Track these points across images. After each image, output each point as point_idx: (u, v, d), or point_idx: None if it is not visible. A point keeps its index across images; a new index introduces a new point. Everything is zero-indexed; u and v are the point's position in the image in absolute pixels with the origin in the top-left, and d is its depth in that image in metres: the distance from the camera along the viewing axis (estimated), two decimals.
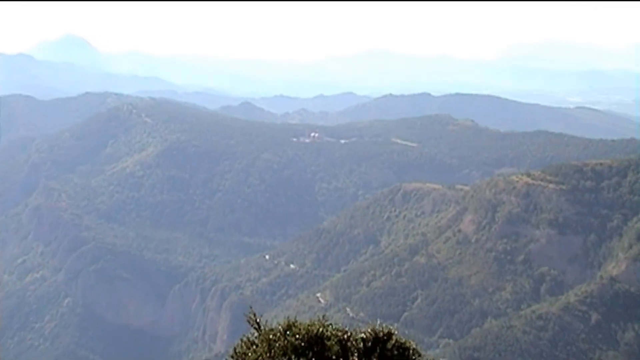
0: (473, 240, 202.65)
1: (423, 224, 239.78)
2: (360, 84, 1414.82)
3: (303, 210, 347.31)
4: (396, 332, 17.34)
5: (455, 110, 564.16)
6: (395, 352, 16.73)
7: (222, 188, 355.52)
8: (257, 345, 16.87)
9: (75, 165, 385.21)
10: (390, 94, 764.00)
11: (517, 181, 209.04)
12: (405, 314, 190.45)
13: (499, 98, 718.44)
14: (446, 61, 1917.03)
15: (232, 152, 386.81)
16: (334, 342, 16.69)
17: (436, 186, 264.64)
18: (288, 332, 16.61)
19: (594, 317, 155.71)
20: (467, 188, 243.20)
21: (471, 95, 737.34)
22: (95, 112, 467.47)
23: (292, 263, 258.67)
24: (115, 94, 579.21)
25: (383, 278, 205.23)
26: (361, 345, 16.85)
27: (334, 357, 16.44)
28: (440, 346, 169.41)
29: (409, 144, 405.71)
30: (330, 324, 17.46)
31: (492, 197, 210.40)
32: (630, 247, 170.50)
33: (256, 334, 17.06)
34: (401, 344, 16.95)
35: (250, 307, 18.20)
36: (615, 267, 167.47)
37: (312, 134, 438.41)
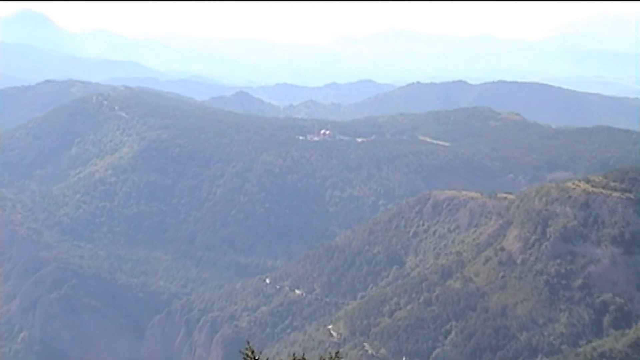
0: (519, 261, 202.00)
1: (458, 240, 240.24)
2: (380, 70, 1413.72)
3: (311, 223, 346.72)
4: None
5: (497, 102, 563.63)
6: None
7: (212, 197, 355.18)
8: None
9: (33, 169, 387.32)
10: (417, 82, 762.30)
11: (574, 188, 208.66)
12: (437, 350, 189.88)
13: (550, 86, 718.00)
14: (485, 42, 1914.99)
15: (224, 153, 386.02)
16: None
17: (474, 194, 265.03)
18: None
19: None
20: (511, 197, 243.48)
21: (516, 83, 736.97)
22: (57, 104, 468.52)
23: (298, 288, 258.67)
24: (82, 82, 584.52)
25: (409, 307, 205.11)
26: None
27: None
28: None
29: (441, 143, 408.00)
30: None
31: (542, 208, 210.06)
32: None
33: None
34: None
35: (248, 343, 18.24)
36: None
37: (322, 131, 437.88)
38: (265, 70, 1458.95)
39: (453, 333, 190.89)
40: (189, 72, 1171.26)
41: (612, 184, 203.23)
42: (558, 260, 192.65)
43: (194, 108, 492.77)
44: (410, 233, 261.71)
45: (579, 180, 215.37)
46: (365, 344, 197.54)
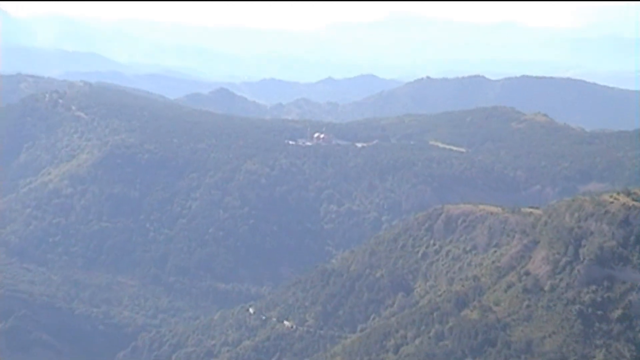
0: (547, 288, 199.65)
1: (475, 263, 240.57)
2: (384, 63, 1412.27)
3: (303, 243, 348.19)
4: None
5: (522, 100, 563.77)
6: None
7: (187, 212, 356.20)
8: None
9: None
10: (427, 78, 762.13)
11: (611, 202, 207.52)
12: None
13: (584, 82, 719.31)
14: (508, 30, 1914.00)
15: (201, 160, 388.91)
16: None
17: (494, 209, 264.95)
18: None
19: None
20: (538, 212, 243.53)
21: (544, 78, 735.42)
22: (3, 102, 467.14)
23: (288, 319, 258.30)
24: (33, 77, 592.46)
25: (417, 341, 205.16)
26: None
27: None
28: None
29: (455, 148, 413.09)
30: None
31: (574, 226, 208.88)
32: None
33: None
34: None
35: None
36: None
37: (316, 135, 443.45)
38: (249, 63, 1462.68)
39: None
40: (159, 66, 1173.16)
41: None
42: (593, 287, 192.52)
43: (165, 108, 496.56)
44: (419, 254, 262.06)
45: (618, 193, 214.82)
46: None
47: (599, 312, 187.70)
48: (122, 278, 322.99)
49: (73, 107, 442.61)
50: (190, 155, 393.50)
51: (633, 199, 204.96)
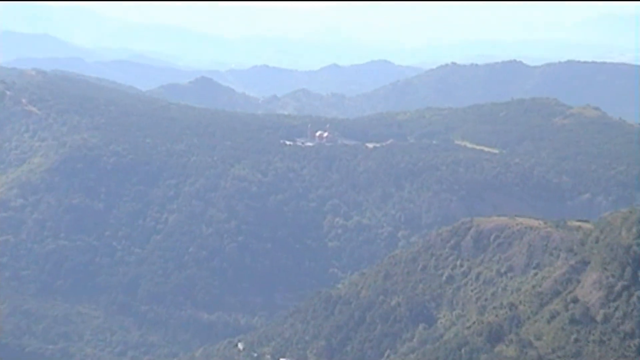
0: (600, 318, 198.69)
1: (512, 287, 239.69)
2: (399, 46, 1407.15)
3: (303, 264, 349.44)
4: None
5: (567, 90, 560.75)
6: None
7: (162, 227, 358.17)
8: None
9: None
10: (453, 64, 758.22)
11: None
12: None
13: None
14: (550, 6, 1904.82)
15: (180, 164, 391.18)
16: None
17: (534, 222, 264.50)
18: None
19: None
20: (588, 226, 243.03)
21: (594, 63, 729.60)
22: None
23: (285, 356, 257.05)
24: None
25: None
26: None
27: None
28: None
29: (486, 149, 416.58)
30: None
31: (632, 243, 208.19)
32: None
33: None
34: None
35: None
36: None
37: (319, 133, 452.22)
38: (237, 47, 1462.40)
39: None
40: (129, 50, 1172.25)
41: None
42: None
43: (136, 101, 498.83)
44: (444, 277, 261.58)
45: None
46: None
47: None
48: (83, 308, 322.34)
49: (23, 101, 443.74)
50: (166, 159, 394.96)
51: None
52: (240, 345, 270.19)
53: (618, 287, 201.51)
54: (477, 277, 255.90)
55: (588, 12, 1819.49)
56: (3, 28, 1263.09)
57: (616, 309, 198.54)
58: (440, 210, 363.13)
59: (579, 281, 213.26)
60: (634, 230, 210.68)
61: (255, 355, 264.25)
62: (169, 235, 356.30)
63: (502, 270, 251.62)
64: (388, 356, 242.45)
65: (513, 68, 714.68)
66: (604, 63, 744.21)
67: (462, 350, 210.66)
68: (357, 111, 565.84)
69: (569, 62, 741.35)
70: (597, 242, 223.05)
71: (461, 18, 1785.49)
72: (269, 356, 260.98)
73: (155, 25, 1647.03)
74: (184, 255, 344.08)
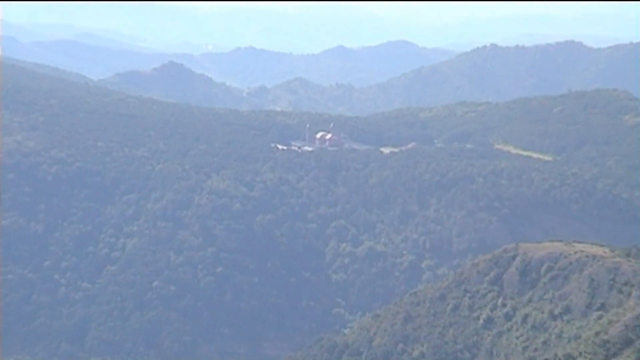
0: None
1: (569, 334, 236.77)
2: (422, 22, 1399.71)
3: (299, 302, 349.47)
4: None
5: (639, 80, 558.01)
6: None
7: (118, 256, 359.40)
8: None
9: None
10: (492, 45, 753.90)
11: None
12: None
13: None
14: None
15: (142, 174, 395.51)
16: None
17: (597, 250, 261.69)
18: None
19: None
20: None
21: None
22: None
23: None
24: None
25: None
26: None
27: None
28: None
29: (535, 155, 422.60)
30: None
31: None
32: None
33: None
34: None
35: None
36: None
37: (320, 135, 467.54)
38: (214, 24, 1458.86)
39: None
40: (75, 28, 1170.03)
41: None
42: None
43: (84, 93, 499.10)
44: (481, 321, 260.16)
45: None
46: None
47: None
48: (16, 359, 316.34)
49: None
50: (124, 167, 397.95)
51: None
52: None
53: None
54: (524, 320, 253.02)
55: None
56: None
57: None
58: (476, 234, 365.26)
59: None
60: None
61: None
62: (127, 265, 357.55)
63: (557, 312, 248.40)
64: None
65: (571, 51, 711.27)
66: None
67: None
68: (370, 106, 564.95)
69: None
70: None
71: None
72: None
73: None
74: (147, 291, 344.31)
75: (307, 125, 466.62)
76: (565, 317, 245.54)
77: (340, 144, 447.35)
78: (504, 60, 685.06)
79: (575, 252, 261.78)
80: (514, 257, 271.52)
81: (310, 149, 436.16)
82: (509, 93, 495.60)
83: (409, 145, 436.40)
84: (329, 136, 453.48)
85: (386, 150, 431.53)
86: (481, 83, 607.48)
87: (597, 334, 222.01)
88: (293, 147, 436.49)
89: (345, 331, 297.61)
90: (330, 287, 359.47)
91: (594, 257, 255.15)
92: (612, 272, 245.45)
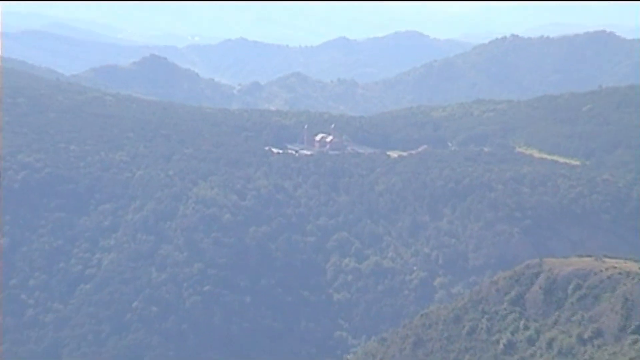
0: None
1: None
2: (435, 10, 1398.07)
3: (297, 324, 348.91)
4: None
5: None
6: None
7: (93, 272, 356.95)
8: None
9: None
10: (513, 36, 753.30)
11: None
12: None
13: None
14: None
15: (120, 181, 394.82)
16: None
17: (632, 266, 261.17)
18: None
19: None
20: None
21: None
22: None
23: None
24: None
25: None
26: None
27: None
28: None
29: (562, 159, 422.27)
30: None
31: None
32: None
33: None
34: None
35: None
36: None
37: (320, 137, 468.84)
38: (200, 13, 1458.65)
39: None
40: (45, 17, 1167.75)
41: None
42: None
43: (56, 91, 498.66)
44: (501, 345, 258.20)
45: None
46: None
47: None
48: None
49: None
50: (99, 174, 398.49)
51: None
52: None
53: None
54: (550, 345, 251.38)
55: None
56: None
57: None
58: (494, 248, 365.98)
59: None
60: None
61: None
62: (104, 284, 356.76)
63: (586, 336, 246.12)
64: None
65: (602, 42, 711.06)
66: None
67: None
68: (375, 105, 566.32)
69: None
70: None
71: None
72: None
73: None
74: (126, 312, 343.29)
75: (306, 126, 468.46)
76: (595, 342, 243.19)
77: (343, 147, 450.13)
78: (526, 53, 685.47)
79: (607, 269, 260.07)
80: (537, 274, 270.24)
81: (308, 152, 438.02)
82: (533, 90, 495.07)
83: (420, 149, 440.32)
84: (329, 138, 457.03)
85: (394, 154, 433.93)
86: (501, 79, 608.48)
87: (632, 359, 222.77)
88: (290, 151, 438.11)
89: (349, 357, 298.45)
90: (331, 308, 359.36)
91: (628, 274, 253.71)
92: None
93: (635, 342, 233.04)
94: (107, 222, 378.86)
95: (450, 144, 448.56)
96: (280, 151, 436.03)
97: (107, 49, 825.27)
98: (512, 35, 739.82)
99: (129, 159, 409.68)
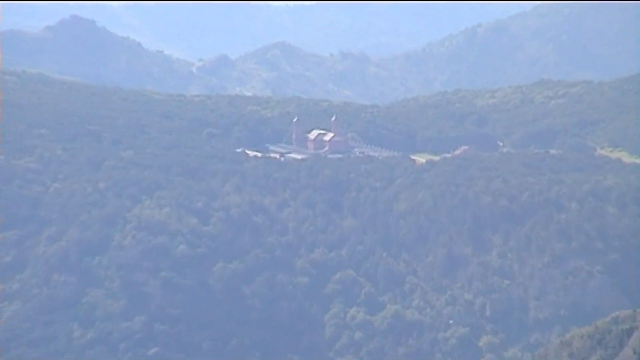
0: None
1: None
2: None
3: None
4: None
5: None
6: None
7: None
8: None
9: None
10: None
11: None
12: None
13: None
14: None
15: (28, 198, 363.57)
16: None
17: None
18: None
19: None
20: None
21: None
22: None
23: None
24: None
25: None
26: None
27: None
28: None
29: None
30: None
31: None
32: None
33: None
34: None
35: None
36: None
37: (315, 135, 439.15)
38: None
39: None
40: None
41: None
42: None
43: None
44: None
45: None
46: None
47: None
48: None
49: None
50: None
51: None
52: None
53: None
54: None
55: None
56: None
57: None
58: (566, 295, 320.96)
59: None
60: None
61: None
62: (4, 347, 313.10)
63: None
64: None
65: None
66: None
67: None
68: (394, 89, 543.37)
69: None
70: None
71: None
72: None
73: None
74: None
75: (295, 119, 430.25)
76: None
77: (348, 148, 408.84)
78: (612, 16, 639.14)
79: None
80: (630, 332, 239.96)
81: (299, 156, 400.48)
82: (618, 67, 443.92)
83: (458, 151, 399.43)
84: (329, 137, 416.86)
85: (421, 159, 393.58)
86: (573, 51, 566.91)
87: None
88: (272, 154, 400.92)
89: None
90: None
91: None
92: None
93: None
94: (9, 257, 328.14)
95: (501, 144, 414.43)
96: (259, 154, 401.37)
97: (10, 9, 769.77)
98: None
99: (40, 167, 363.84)
